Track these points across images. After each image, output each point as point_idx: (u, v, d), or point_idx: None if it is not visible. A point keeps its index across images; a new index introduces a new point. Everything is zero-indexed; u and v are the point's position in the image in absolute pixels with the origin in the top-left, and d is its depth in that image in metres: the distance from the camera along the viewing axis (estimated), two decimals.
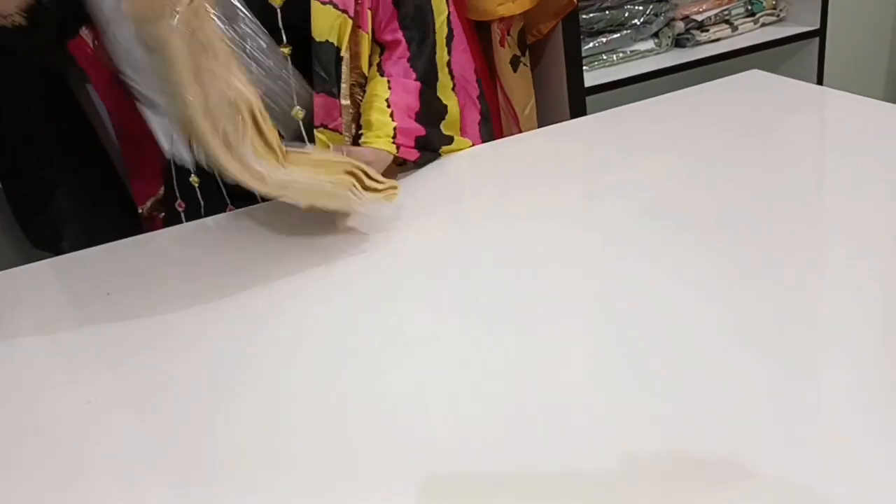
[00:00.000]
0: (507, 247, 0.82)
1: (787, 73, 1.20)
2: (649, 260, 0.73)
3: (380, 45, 1.10)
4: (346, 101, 1.06)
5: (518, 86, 1.83)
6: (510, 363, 0.62)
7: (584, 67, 1.87)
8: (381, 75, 1.07)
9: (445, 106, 1.12)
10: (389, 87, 1.05)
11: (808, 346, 0.58)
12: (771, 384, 0.54)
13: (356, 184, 0.85)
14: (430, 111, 1.10)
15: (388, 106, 1.04)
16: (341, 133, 1.07)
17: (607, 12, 1.98)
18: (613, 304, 0.67)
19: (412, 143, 1.05)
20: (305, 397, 0.62)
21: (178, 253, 0.95)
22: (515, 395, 0.58)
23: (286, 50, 1.02)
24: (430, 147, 1.09)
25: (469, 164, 1.10)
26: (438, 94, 1.12)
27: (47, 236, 1.28)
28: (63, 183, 1.37)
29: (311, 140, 1.06)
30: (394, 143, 1.02)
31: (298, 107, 1.04)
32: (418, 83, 1.08)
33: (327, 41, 1.02)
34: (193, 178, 1.13)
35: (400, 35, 1.08)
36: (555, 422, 0.54)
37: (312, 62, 1.03)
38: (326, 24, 1.01)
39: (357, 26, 1.05)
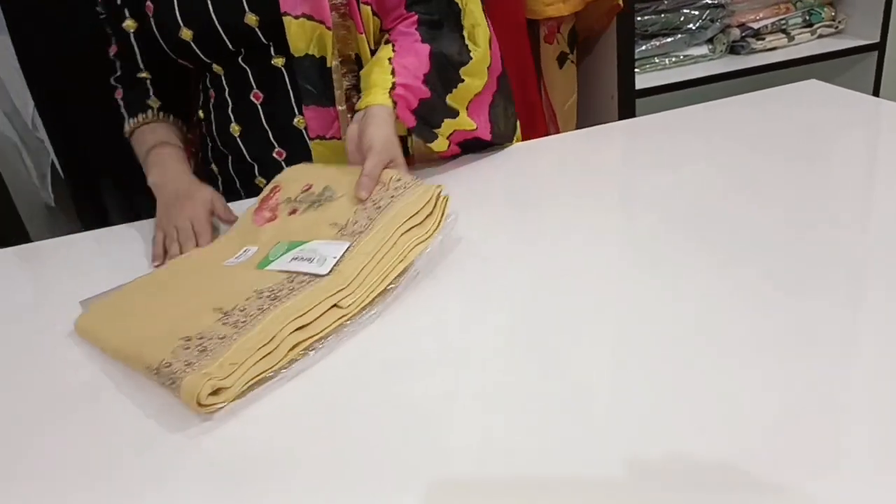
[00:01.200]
0: (531, 253, 0.81)
1: (843, 87, 1.18)
2: (676, 275, 0.72)
3: (388, 31, 1.04)
4: (342, 107, 1.04)
5: (561, 82, 1.84)
6: (529, 372, 0.61)
7: (636, 70, 1.86)
8: (387, 43, 1.01)
9: (463, 79, 1.04)
10: (394, 50, 0.99)
11: (830, 368, 0.57)
12: (795, 404, 0.54)
13: (421, 237, 0.75)
14: (442, 77, 1.01)
15: (391, 63, 0.97)
16: (340, 139, 1.05)
17: (663, 15, 1.97)
18: (637, 319, 0.66)
19: (414, 105, 0.96)
20: (330, 400, 0.62)
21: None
22: (534, 404, 0.58)
23: (279, 61, 1.02)
24: (430, 116, 1.00)
25: (502, 163, 1.09)
26: (463, 70, 1.03)
27: (96, 218, 1.33)
28: (109, 173, 1.44)
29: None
30: (391, 95, 0.93)
31: (300, 116, 1.04)
32: (428, 46, 1.00)
33: (307, 55, 1.01)
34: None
35: (408, 13, 1.02)
36: (572, 433, 0.54)
37: (297, 78, 1.02)
38: (303, 38, 1.00)
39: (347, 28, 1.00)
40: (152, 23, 1.01)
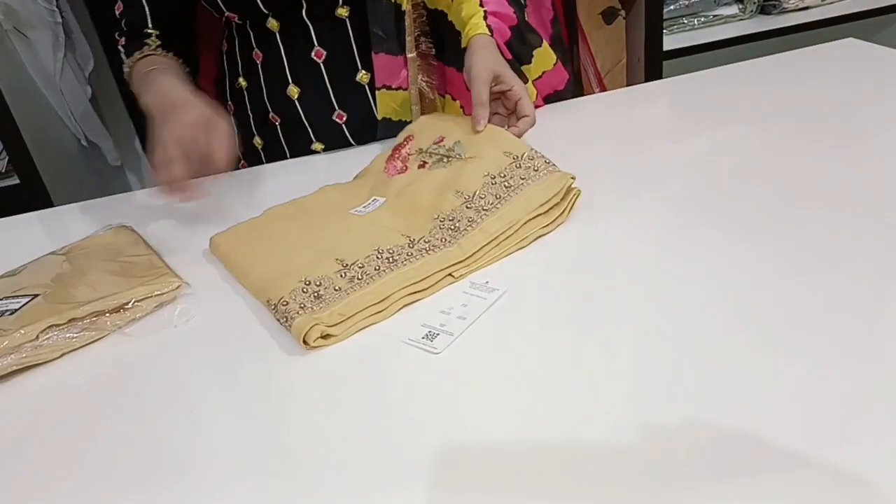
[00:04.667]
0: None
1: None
2: (704, 242, 0.70)
3: None
4: (411, 54, 1.02)
5: (606, 41, 1.75)
6: (553, 341, 0.60)
7: (664, 31, 1.82)
8: None
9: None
10: None
11: (867, 340, 0.56)
12: (822, 375, 0.52)
13: (545, 224, 0.75)
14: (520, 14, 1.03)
15: None
16: (405, 89, 1.03)
17: None
18: (665, 286, 0.65)
19: (507, 35, 0.99)
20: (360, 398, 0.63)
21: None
22: (556, 372, 0.57)
23: (343, 11, 0.99)
24: (521, 46, 1.03)
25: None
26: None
27: None
28: None
29: (374, 100, 1.02)
30: (486, 23, 0.95)
31: (364, 71, 1.02)
32: None
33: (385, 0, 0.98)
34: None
35: None
36: (595, 401, 0.53)
37: (370, 23, 0.98)
38: None
39: None
40: None
